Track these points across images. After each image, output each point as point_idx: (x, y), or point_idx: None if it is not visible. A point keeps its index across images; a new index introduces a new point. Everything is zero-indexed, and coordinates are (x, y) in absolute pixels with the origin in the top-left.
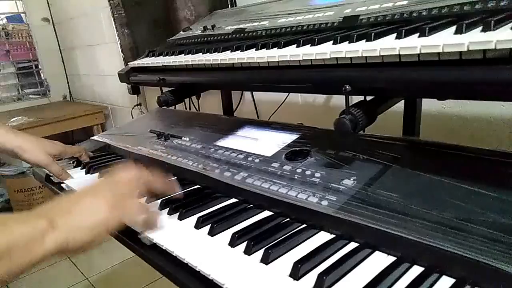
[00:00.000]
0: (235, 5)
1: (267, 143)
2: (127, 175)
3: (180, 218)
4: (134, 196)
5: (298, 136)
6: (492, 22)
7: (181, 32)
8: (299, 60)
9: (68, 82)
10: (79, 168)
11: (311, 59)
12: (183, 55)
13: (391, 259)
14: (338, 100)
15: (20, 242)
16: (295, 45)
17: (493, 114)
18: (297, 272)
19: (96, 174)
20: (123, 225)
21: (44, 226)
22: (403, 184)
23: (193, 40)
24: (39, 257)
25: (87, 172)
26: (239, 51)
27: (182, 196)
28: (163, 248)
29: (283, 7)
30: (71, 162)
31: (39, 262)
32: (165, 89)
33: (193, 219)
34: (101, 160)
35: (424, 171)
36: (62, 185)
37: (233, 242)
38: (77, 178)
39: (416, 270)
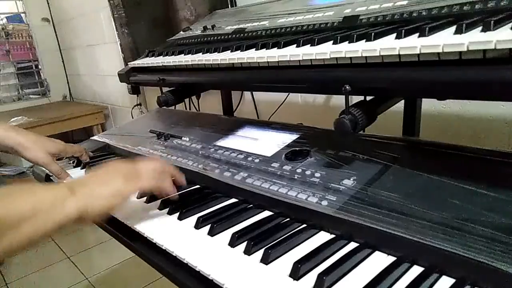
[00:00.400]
0: (235, 5)
1: (267, 143)
2: (146, 160)
3: (180, 218)
4: (149, 173)
5: (298, 136)
6: (492, 22)
7: (181, 32)
8: (299, 60)
9: (68, 82)
10: (79, 168)
11: (311, 59)
12: (183, 55)
13: (391, 259)
14: (338, 100)
15: (44, 204)
16: (295, 45)
17: (493, 114)
18: (297, 272)
19: None
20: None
21: (65, 193)
22: (403, 184)
23: (193, 40)
24: (61, 220)
25: (87, 172)
26: (239, 51)
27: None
28: (163, 248)
29: (283, 7)
30: (71, 162)
31: (60, 224)
32: (165, 89)
33: (193, 219)
34: (101, 160)
35: (424, 171)
36: None
37: (233, 242)
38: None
39: (416, 270)
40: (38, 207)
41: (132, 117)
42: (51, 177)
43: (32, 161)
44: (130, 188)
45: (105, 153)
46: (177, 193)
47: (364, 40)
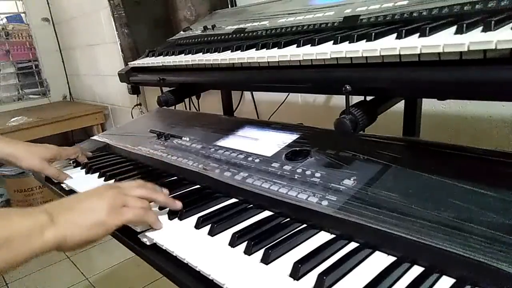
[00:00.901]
0: (235, 5)
1: (267, 143)
2: (131, 183)
3: (180, 218)
4: (136, 199)
5: (298, 136)
6: (493, 22)
7: (181, 32)
8: (299, 60)
9: (68, 82)
10: (79, 168)
11: (311, 59)
12: (183, 55)
13: (391, 259)
14: (338, 100)
15: (20, 233)
16: (295, 45)
17: (493, 114)
18: (297, 272)
19: (96, 174)
20: (122, 225)
21: (44, 220)
22: (403, 184)
23: (193, 40)
24: (38, 249)
25: (87, 172)
26: (239, 51)
27: (180, 194)
28: (163, 248)
29: (283, 7)
30: (71, 162)
31: (37, 254)
32: (165, 89)
33: (193, 219)
34: (101, 160)
35: (424, 171)
36: (62, 185)
37: (233, 242)
38: (77, 178)
39: (416, 270)
40: (14, 235)
41: (132, 117)
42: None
43: (28, 169)
44: (114, 222)
45: (105, 153)
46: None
47: (365, 40)
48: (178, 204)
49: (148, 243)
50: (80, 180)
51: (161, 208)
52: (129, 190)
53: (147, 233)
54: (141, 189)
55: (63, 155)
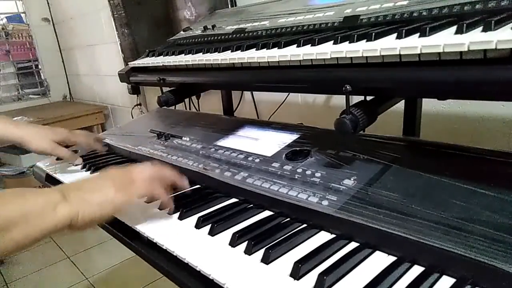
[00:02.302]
0: (235, 5)
1: (267, 143)
2: (142, 166)
3: (181, 218)
4: (145, 180)
5: (298, 136)
6: (493, 22)
7: (181, 32)
8: (300, 60)
9: (68, 82)
10: (84, 169)
11: (311, 59)
12: (183, 55)
13: (391, 259)
14: (338, 100)
15: (34, 209)
16: (295, 45)
17: (493, 114)
18: (297, 272)
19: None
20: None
21: (57, 198)
22: (403, 184)
23: (193, 40)
24: (51, 225)
25: (92, 173)
26: (239, 51)
27: (180, 194)
28: (164, 247)
29: (283, 7)
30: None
31: (51, 231)
32: (165, 89)
33: (193, 219)
34: (101, 160)
35: (424, 171)
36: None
37: (233, 242)
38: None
39: (416, 270)
40: (29, 211)
41: (132, 117)
42: (51, 177)
43: (38, 151)
44: (122, 199)
45: (105, 152)
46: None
47: (365, 40)
48: (186, 182)
49: (145, 235)
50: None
51: (161, 208)
52: (137, 169)
53: (148, 233)
54: (150, 168)
55: (72, 139)
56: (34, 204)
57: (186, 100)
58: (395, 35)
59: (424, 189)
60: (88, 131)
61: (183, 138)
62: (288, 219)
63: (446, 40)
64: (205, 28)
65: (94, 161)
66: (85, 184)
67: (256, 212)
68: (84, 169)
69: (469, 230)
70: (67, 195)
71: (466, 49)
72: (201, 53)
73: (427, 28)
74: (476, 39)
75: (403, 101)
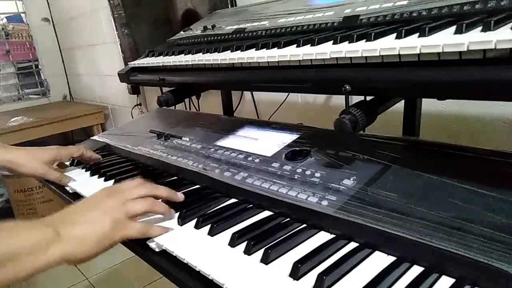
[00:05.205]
0: (235, 5)
1: (267, 143)
2: (131, 183)
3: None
4: (137, 202)
5: (298, 136)
6: (492, 22)
7: (181, 32)
8: (299, 60)
9: (68, 82)
10: (83, 170)
11: (311, 59)
12: (183, 55)
13: (391, 259)
14: (338, 100)
15: (26, 248)
16: (295, 45)
17: (493, 114)
18: (297, 272)
19: (97, 175)
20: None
21: (50, 235)
22: (403, 184)
23: (193, 40)
24: (44, 264)
25: (92, 174)
26: (239, 51)
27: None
28: (163, 248)
29: (283, 7)
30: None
31: (43, 269)
32: (165, 89)
33: (193, 219)
34: (101, 159)
35: (424, 171)
36: (66, 188)
37: (233, 242)
38: (80, 181)
39: (416, 270)
40: (21, 251)
41: (132, 117)
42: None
43: (29, 175)
44: (118, 235)
45: (105, 153)
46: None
47: (364, 40)
48: (180, 196)
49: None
50: (83, 182)
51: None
52: (129, 193)
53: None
54: (141, 188)
55: (63, 155)
56: (26, 243)
57: (186, 100)
58: (394, 35)
59: (424, 189)
60: (88, 131)
61: (183, 138)
62: (288, 219)
63: (446, 40)
64: (205, 28)
65: (95, 163)
66: (79, 216)
67: (255, 212)
68: (84, 169)
69: (469, 230)
70: (61, 230)
71: (465, 49)
72: (201, 53)
73: (427, 28)
74: (476, 39)
75: (403, 101)
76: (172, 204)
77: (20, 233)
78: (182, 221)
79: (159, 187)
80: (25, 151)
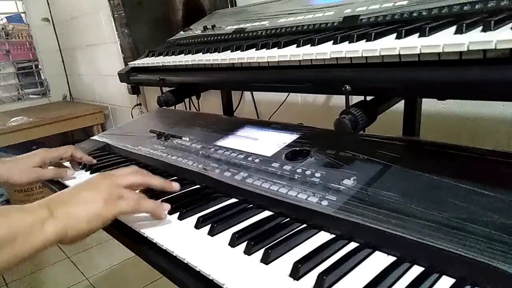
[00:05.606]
0: (235, 5)
1: (267, 143)
2: (125, 170)
3: (180, 218)
4: (130, 191)
5: (298, 136)
6: (492, 22)
7: (181, 32)
8: (299, 60)
9: (68, 82)
10: (83, 170)
11: (311, 59)
12: (183, 55)
13: (391, 259)
14: (338, 100)
15: (22, 229)
16: (295, 45)
17: (493, 114)
18: (297, 272)
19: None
20: (118, 216)
21: (44, 215)
22: (403, 184)
23: (193, 40)
24: (40, 244)
25: (92, 173)
26: (239, 51)
27: (179, 194)
28: (163, 248)
29: (283, 7)
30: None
31: (40, 249)
32: (165, 89)
33: (193, 219)
34: (101, 160)
35: (424, 171)
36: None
37: (233, 242)
38: (80, 179)
39: (416, 270)
40: (16, 231)
41: (132, 117)
42: None
43: (22, 184)
44: (110, 213)
45: (105, 152)
46: (179, 190)
47: (364, 40)
48: (175, 186)
49: (145, 236)
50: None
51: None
52: (122, 178)
53: (148, 234)
54: (135, 175)
55: (51, 157)
56: (22, 223)
57: (186, 100)
58: (394, 35)
59: (424, 189)
60: (88, 131)
61: (183, 138)
62: (288, 219)
63: (446, 40)
64: (205, 28)
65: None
66: (71, 196)
67: (255, 212)
68: (84, 169)
69: (469, 230)
70: (54, 210)
71: (465, 49)
72: (201, 53)
73: (427, 28)
74: (476, 39)
75: (403, 101)
76: (172, 204)
77: (15, 215)
78: (182, 220)
79: (153, 176)
80: (11, 162)
